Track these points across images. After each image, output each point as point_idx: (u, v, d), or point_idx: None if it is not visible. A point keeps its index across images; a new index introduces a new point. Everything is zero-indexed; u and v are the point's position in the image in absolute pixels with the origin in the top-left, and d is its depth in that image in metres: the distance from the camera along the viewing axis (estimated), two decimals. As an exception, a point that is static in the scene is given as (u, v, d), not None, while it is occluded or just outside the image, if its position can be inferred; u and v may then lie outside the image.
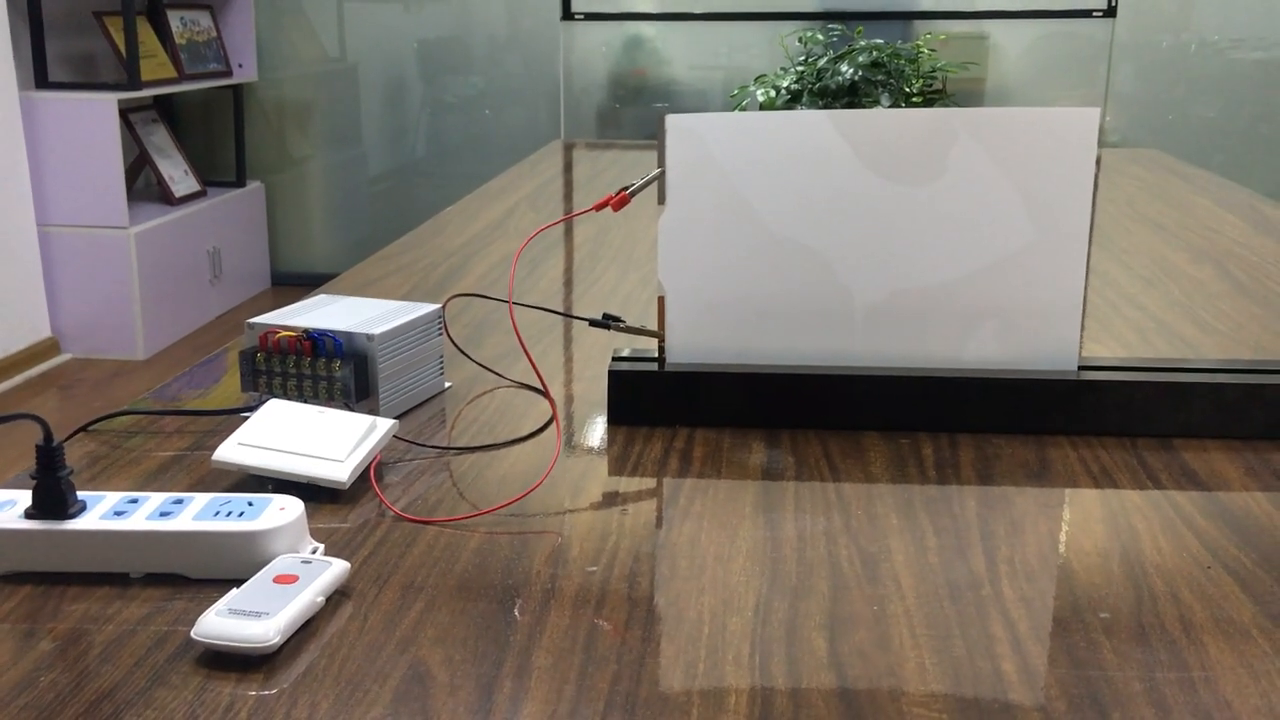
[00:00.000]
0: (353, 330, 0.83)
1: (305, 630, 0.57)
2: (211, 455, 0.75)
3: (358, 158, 4.28)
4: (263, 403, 0.80)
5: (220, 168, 4.09)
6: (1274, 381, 0.82)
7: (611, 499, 0.73)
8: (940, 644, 0.56)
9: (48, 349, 3.35)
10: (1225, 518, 0.70)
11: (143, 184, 3.84)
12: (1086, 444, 0.81)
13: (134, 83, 3.38)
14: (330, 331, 0.83)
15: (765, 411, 0.84)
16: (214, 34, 3.91)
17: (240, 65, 3.99)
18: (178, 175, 3.73)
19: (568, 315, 0.99)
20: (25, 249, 3.25)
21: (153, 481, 0.75)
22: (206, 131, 4.16)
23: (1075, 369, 0.84)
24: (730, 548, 0.66)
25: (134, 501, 0.64)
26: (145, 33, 3.55)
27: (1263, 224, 1.59)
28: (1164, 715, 0.51)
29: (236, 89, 3.99)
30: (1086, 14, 3.75)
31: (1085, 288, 0.83)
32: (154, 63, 3.55)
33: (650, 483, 0.76)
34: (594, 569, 0.64)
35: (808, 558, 0.65)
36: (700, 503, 0.72)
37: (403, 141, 4.27)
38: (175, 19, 3.72)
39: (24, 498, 0.64)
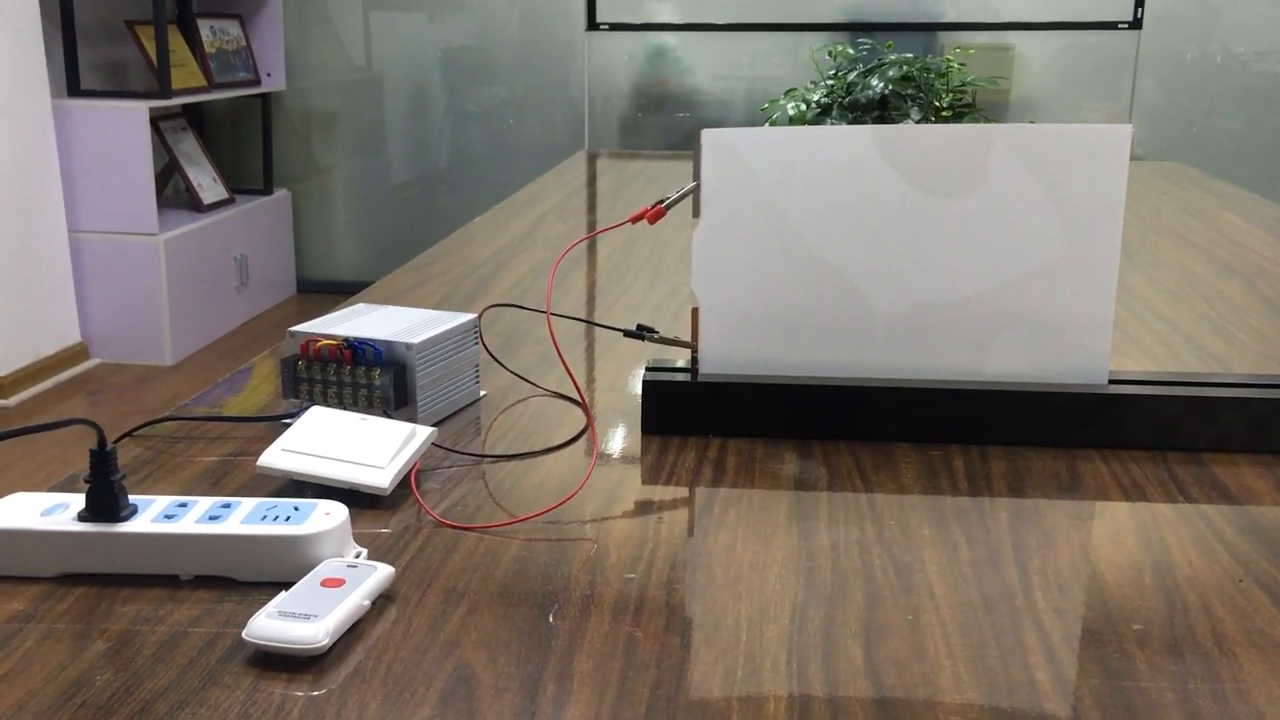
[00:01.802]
0: (392, 339, 0.84)
1: (351, 633, 0.58)
2: (255, 461, 0.76)
3: (382, 166, 4.31)
4: (304, 410, 0.82)
5: (248, 175, 4.13)
6: (1304, 397, 0.82)
7: (646, 507, 0.74)
8: (975, 654, 0.57)
9: (77, 354, 3.39)
10: (1256, 532, 0.71)
11: (171, 191, 3.88)
12: (1116, 457, 0.82)
13: (165, 91, 3.42)
14: (370, 340, 0.84)
15: (798, 422, 0.85)
16: (243, 43, 3.95)
17: (269, 74, 4.03)
18: (206, 183, 3.77)
19: (602, 326, 1.00)
20: (56, 254, 3.29)
21: (198, 486, 0.76)
22: (234, 139, 4.20)
23: (1105, 382, 0.84)
24: (765, 556, 0.67)
25: (183, 505, 0.65)
26: (176, 41, 3.59)
27: (1290, 238, 1.59)
28: (1197, 726, 0.51)
29: (265, 98, 4.03)
30: (1112, 25, 3.75)
31: (1115, 300, 0.83)
32: (184, 71, 3.59)
33: (684, 492, 0.77)
34: (632, 576, 0.65)
35: (842, 567, 0.66)
36: (734, 512, 0.74)
37: (427, 150, 4.30)
38: (205, 28, 3.76)
39: (76, 501, 0.65)
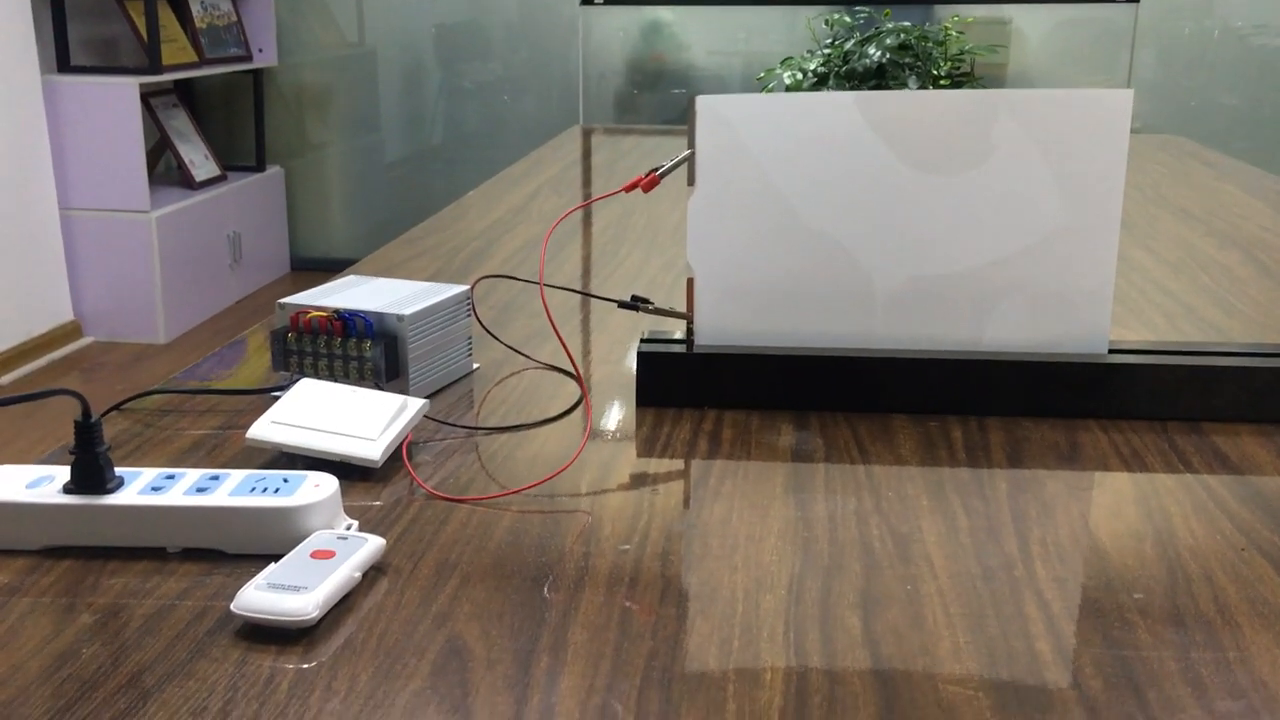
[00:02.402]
0: (383, 311, 0.83)
1: (342, 605, 0.58)
2: (243, 434, 0.75)
3: (376, 143, 4.28)
4: (294, 382, 0.81)
5: (240, 152, 4.10)
6: (1306, 366, 0.81)
7: (641, 479, 0.74)
8: (974, 624, 0.56)
9: (70, 332, 3.37)
10: (1258, 501, 0.70)
11: (163, 168, 3.85)
12: (1116, 427, 0.81)
13: (155, 67, 3.39)
14: (361, 312, 0.83)
15: (794, 394, 0.84)
16: (234, 18, 3.91)
17: (260, 50, 3.99)
18: (198, 160, 3.74)
19: (597, 297, 0.99)
20: (48, 233, 3.27)
21: (186, 459, 0.75)
22: (226, 116, 4.17)
23: (1105, 352, 0.83)
24: (761, 527, 0.67)
25: (170, 477, 0.64)
26: (166, 17, 3.56)
27: (1290, 210, 1.58)
28: (1200, 694, 0.51)
29: (256, 73, 4.00)
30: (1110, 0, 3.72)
31: (1115, 270, 0.82)
32: (174, 47, 3.56)
33: (679, 464, 0.76)
34: (627, 547, 0.64)
35: (839, 538, 0.65)
36: (730, 483, 0.73)
37: (420, 127, 4.27)
38: (196, 3, 3.73)
39: (62, 473, 0.64)
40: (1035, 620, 0.57)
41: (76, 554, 0.63)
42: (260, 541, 0.62)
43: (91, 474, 0.63)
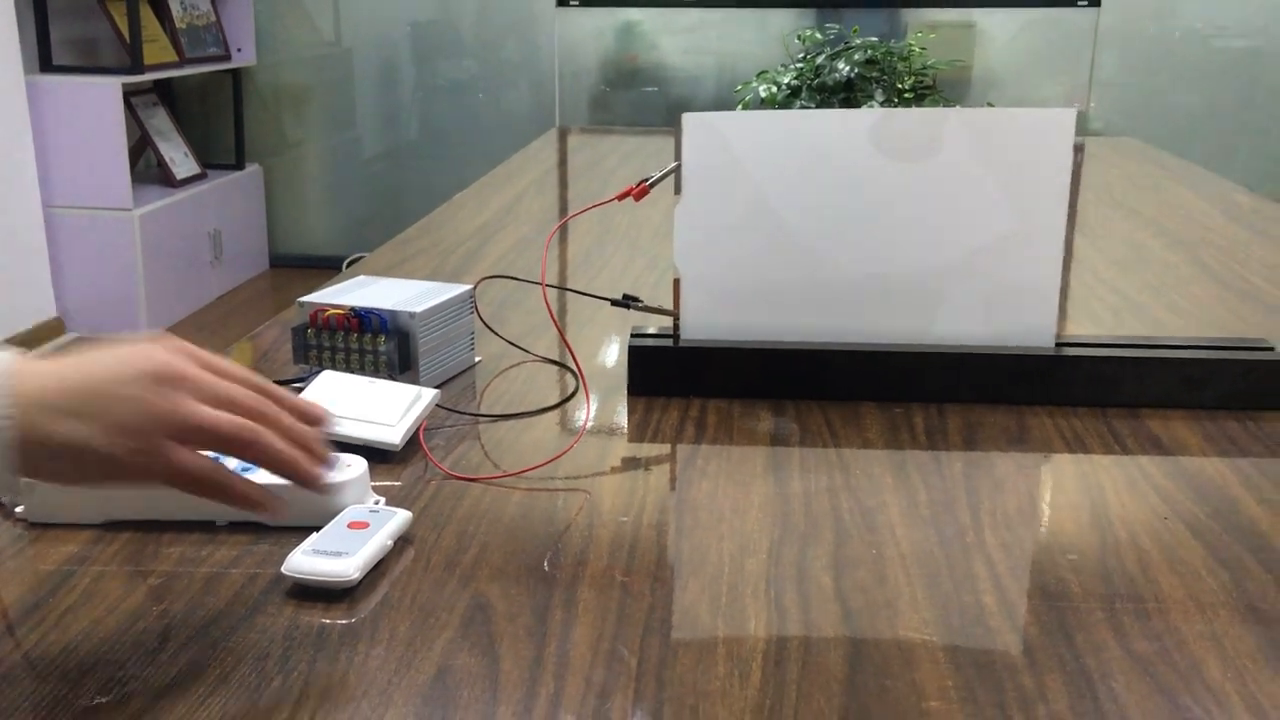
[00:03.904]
0: (396, 309, 0.91)
1: (376, 570, 0.65)
2: (272, 421, 0.83)
3: (353, 140, 4.34)
4: (314, 374, 0.88)
5: (219, 151, 4.15)
6: (1230, 358, 0.90)
7: (634, 462, 0.82)
8: (930, 581, 0.65)
9: (53, 328, 3.42)
10: (1183, 477, 0.79)
11: (143, 166, 3.89)
12: (1062, 413, 0.90)
13: (137, 66, 3.43)
14: (375, 309, 0.91)
15: (772, 384, 0.92)
16: (213, 18, 3.96)
17: (239, 49, 4.04)
18: (178, 158, 3.79)
19: (593, 296, 1.07)
20: (31, 230, 3.31)
21: (221, 444, 0.83)
22: (205, 115, 4.21)
23: (1053, 345, 0.92)
24: (744, 502, 0.75)
25: (217, 458, 0.72)
26: (146, 17, 3.61)
27: (1235, 212, 1.68)
28: (1121, 637, 0.59)
29: (235, 73, 4.05)
30: (1071, 3, 3.83)
31: (1062, 272, 0.91)
32: (155, 46, 3.60)
33: (668, 448, 0.85)
34: (625, 519, 0.72)
35: (813, 511, 0.74)
36: (715, 464, 0.81)
37: (397, 125, 4.33)
38: (175, 3, 3.77)
39: (117, 456, 0.71)
40: (983, 578, 0.65)
41: (134, 527, 0.70)
42: (300, 515, 0.69)
43: (147, 456, 0.70)
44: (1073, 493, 0.77)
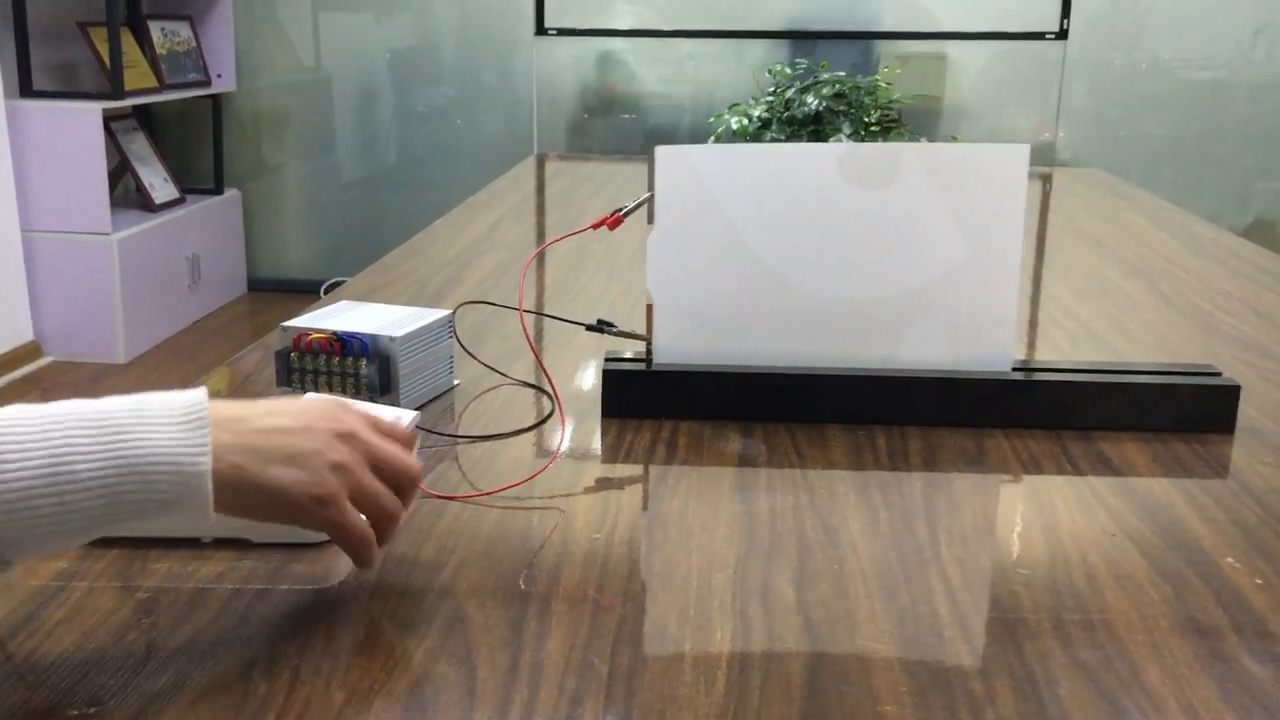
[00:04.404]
0: (377, 333, 0.94)
1: (357, 583, 0.68)
2: (256, 442, 0.85)
3: (331, 166, 4.37)
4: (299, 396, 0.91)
5: (198, 175, 4.17)
6: (1179, 383, 0.94)
7: (607, 481, 0.85)
8: (888, 594, 0.68)
9: (30, 352, 3.42)
10: (1132, 497, 0.83)
11: (122, 191, 3.91)
12: (1019, 436, 0.93)
13: (117, 92, 3.46)
14: (357, 334, 0.93)
15: (741, 407, 0.95)
16: (194, 44, 3.99)
17: (219, 75, 4.07)
18: (157, 183, 3.81)
19: (569, 321, 1.10)
20: (9, 253, 3.32)
21: (206, 464, 0.85)
22: (185, 140, 4.23)
23: (1009, 370, 0.96)
24: (712, 520, 0.78)
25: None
26: (127, 43, 3.63)
27: (1193, 243, 1.73)
28: (1067, 647, 0.63)
29: (215, 98, 4.08)
30: (1039, 36, 3.91)
31: (1017, 299, 0.95)
32: (135, 72, 3.63)
33: (640, 468, 0.88)
34: (598, 536, 0.75)
35: (779, 528, 0.77)
36: (685, 484, 0.84)
37: (375, 151, 4.36)
38: (156, 29, 3.80)
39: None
40: (938, 591, 0.68)
41: (122, 544, 0.72)
42: (284, 531, 0.72)
43: (136, 474, 0.72)
44: (1026, 511, 0.80)
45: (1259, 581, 0.70)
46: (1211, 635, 0.64)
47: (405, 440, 0.69)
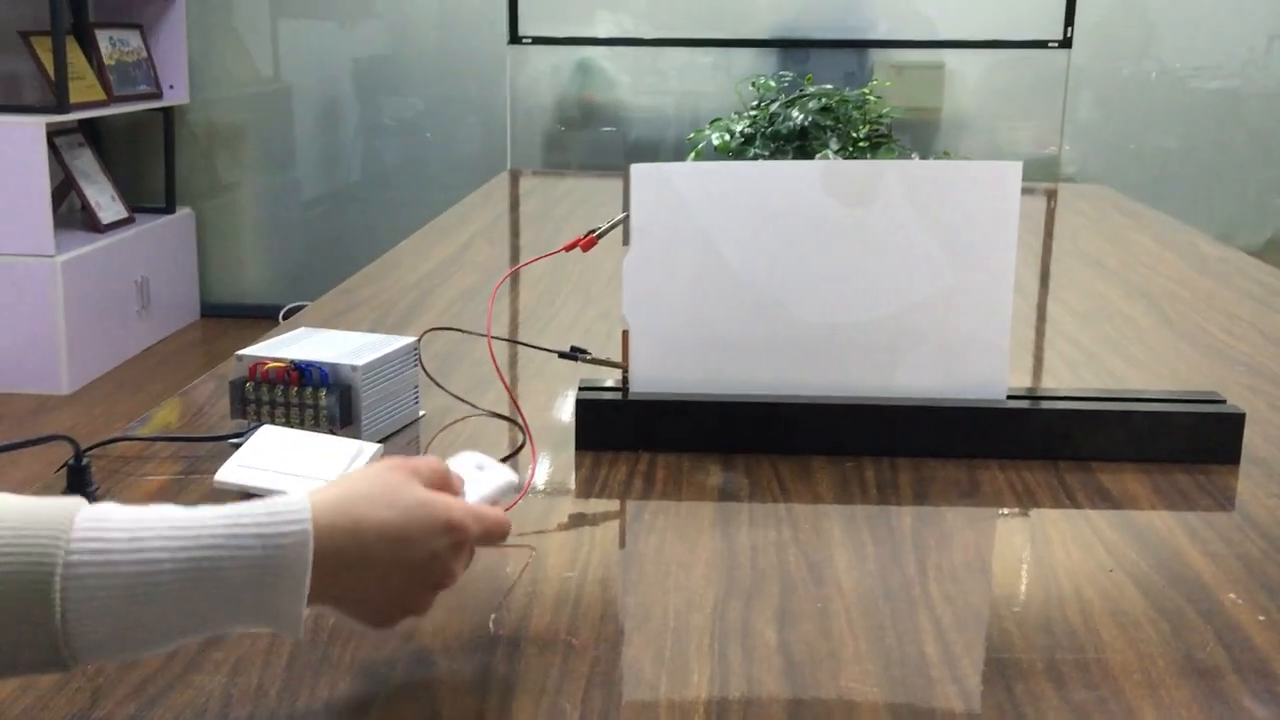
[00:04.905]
0: (337, 361, 0.95)
1: (316, 625, 0.69)
2: (207, 477, 0.87)
3: (291, 183, 4.38)
4: (253, 429, 0.92)
5: (148, 194, 4.17)
6: (1181, 410, 0.96)
7: (581, 518, 0.86)
8: (874, 634, 0.69)
9: (-34, 382, 3.41)
10: (1131, 530, 0.84)
11: (66, 210, 3.91)
12: (1014, 466, 0.95)
13: (62, 105, 3.47)
14: (316, 362, 0.95)
15: (721, 437, 0.97)
16: (144, 54, 4.00)
17: (171, 87, 4.08)
18: (104, 201, 3.81)
19: (538, 348, 1.12)
20: (-56, 278, 3.32)
21: (156, 502, 0.86)
22: (134, 156, 4.24)
23: (1004, 398, 0.98)
24: (691, 557, 0.79)
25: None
26: (73, 53, 3.64)
27: (1200, 263, 1.76)
28: (1060, 687, 0.64)
29: (167, 111, 4.09)
30: (1042, 44, 3.96)
31: (1011, 323, 0.97)
32: (82, 84, 3.64)
33: (616, 503, 0.89)
34: (570, 574, 0.76)
35: (760, 565, 0.78)
36: (663, 519, 0.85)
37: (338, 166, 4.38)
38: (104, 39, 3.82)
39: (50, 513, 0.75)
40: (926, 630, 0.70)
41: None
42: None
43: (81, 512, 0.73)
44: (1020, 546, 0.82)
45: (1262, 618, 0.72)
46: (1211, 675, 0.66)
47: (503, 527, 0.67)
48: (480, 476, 0.72)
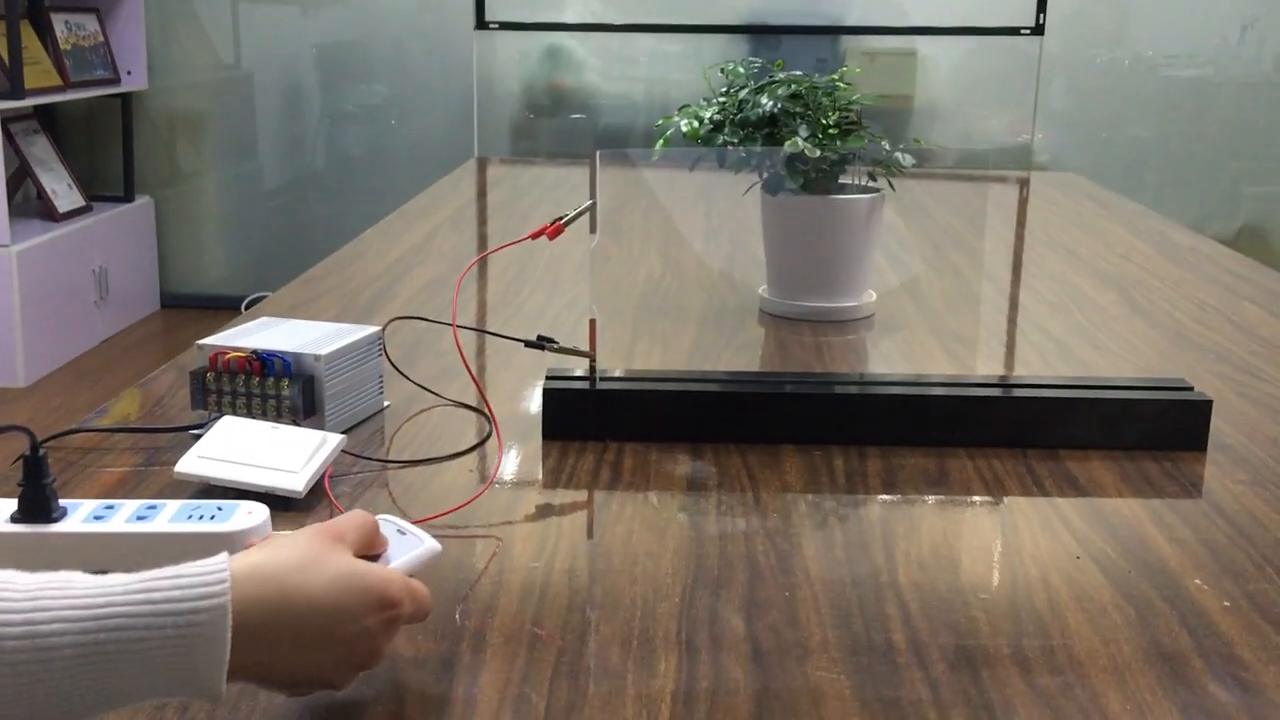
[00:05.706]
0: (300, 351, 0.95)
1: (279, 619, 0.69)
2: (167, 469, 0.86)
3: (253, 171, 4.35)
4: (214, 420, 0.92)
5: (106, 181, 4.14)
6: (1148, 398, 0.98)
7: (548, 507, 0.86)
8: (841, 621, 0.70)
9: (-81, 376, 3.37)
10: (1098, 517, 0.86)
11: (21, 199, 3.87)
12: (983, 455, 0.96)
13: (17, 91, 3.43)
14: (279, 352, 0.95)
15: (690, 427, 0.98)
16: (101, 39, 3.97)
17: (129, 72, 4.05)
18: (61, 189, 3.78)
19: (504, 337, 1.12)
20: (-105, 268, 3.28)
21: (115, 493, 0.86)
22: (91, 143, 4.20)
23: (971, 387, 0.99)
24: (659, 546, 0.80)
25: (110, 507, 0.75)
26: (28, 38, 3.61)
27: (1171, 251, 1.78)
28: (1026, 673, 0.65)
29: (125, 97, 4.05)
30: (1014, 31, 3.98)
31: (993, 313, 0.98)
32: (37, 70, 3.60)
33: (584, 493, 0.90)
34: (537, 564, 0.77)
35: (728, 554, 0.79)
36: (631, 509, 0.86)
37: (301, 154, 4.36)
38: (60, 23, 3.78)
39: (6, 505, 0.75)
40: (894, 618, 0.71)
41: (24, 579, 0.73)
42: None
43: (38, 504, 0.73)
44: (988, 533, 0.83)
45: (1226, 604, 0.73)
46: (1176, 660, 0.67)
47: (428, 604, 0.64)
48: (402, 541, 0.69)
